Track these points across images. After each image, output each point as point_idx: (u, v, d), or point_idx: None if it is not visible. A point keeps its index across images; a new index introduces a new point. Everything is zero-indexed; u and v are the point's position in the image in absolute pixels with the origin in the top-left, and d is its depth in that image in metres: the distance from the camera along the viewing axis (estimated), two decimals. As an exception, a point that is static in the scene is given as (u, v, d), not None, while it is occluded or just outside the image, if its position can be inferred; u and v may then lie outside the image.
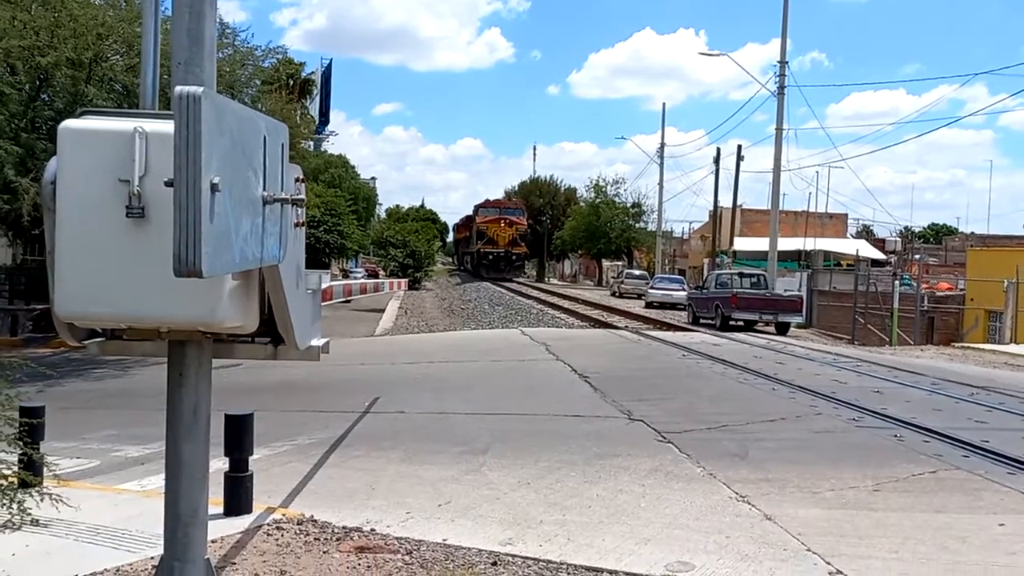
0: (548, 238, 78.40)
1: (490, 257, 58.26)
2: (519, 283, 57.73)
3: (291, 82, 42.36)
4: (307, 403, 8.31)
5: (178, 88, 1.72)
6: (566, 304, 33.09)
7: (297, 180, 2.41)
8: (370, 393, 8.66)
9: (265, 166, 2.07)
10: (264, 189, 2.06)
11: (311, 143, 52.84)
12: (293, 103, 32.03)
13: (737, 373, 10.48)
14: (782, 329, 22.74)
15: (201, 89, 1.74)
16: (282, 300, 2.34)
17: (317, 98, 58.31)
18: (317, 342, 2.76)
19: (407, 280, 46.12)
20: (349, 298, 29.52)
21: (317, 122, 57.62)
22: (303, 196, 2.39)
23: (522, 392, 8.86)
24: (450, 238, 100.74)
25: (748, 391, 9.05)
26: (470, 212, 67.45)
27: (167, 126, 1.98)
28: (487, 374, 10.44)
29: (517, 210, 61.99)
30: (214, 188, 1.75)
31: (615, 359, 12.11)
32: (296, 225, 2.42)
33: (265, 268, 2.21)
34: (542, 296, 39.23)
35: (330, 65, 65.56)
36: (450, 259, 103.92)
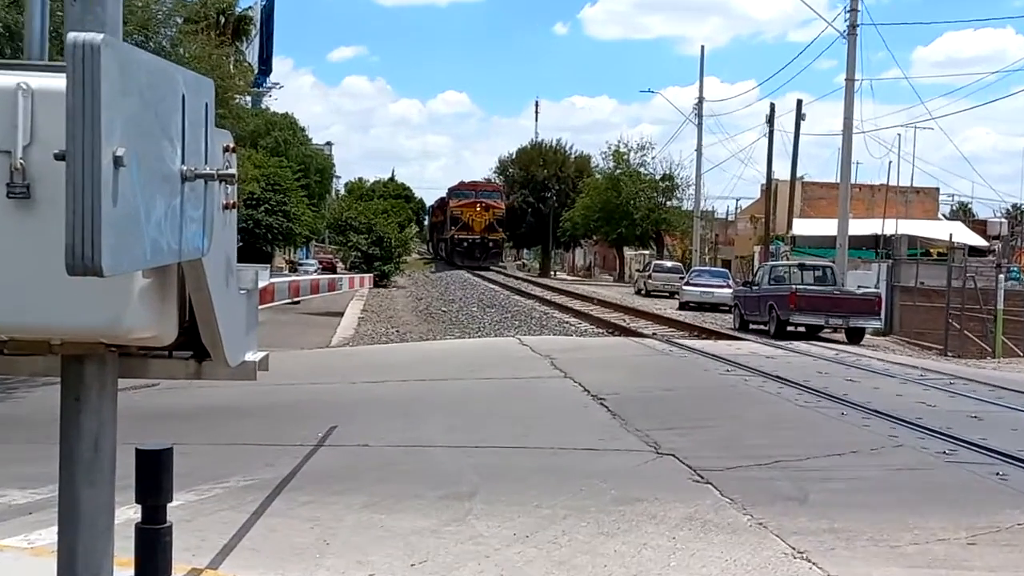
0: (554, 220, 78.48)
1: (464, 244, 67.19)
2: (517, 278, 58.00)
3: (222, 19, 42.43)
4: (244, 434, 8.32)
5: (72, 35, 1.73)
6: (577, 305, 33.17)
7: (226, 149, 2.43)
8: (324, 420, 8.67)
9: (184, 133, 2.08)
10: (183, 162, 2.08)
11: (248, 98, 52.87)
12: (225, 47, 32.07)
13: (795, 393, 10.52)
14: (854, 337, 22.83)
15: (101, 36, 1.75)
16: (207, 303, 2.36)
17: (256, 40, 58.24)
18: (253, 356, 2.78)
19: (373, 275, 46.13)
20: (297, 298, 29.45)
21: (256, 71, 57.66)
22: (234, 170, 2.40)
23: (519, 418, 8.89)
24: (428, 222, 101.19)
25: (809, 416, 9.08)
26: (453, 188, 73.99)
27: (59, 82, 1.99)
28: (475, 396, 10.45)
29: (494, 193, 71.15)
30: (118, 162, 1.76)
31: (639, 376, 12.13)
32: (225, 207, 2.44)
33: (185, 263, 2.23)
34: (546, 295, 39.35)
35: (272, -3, 65.39)
36: (427, 247, 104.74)
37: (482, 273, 60.25)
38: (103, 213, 1.73)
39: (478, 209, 67.77)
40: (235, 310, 2.59)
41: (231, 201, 2.46)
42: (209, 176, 2.19)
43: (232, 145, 2.47)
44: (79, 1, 2.23)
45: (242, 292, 2.69)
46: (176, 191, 2.04)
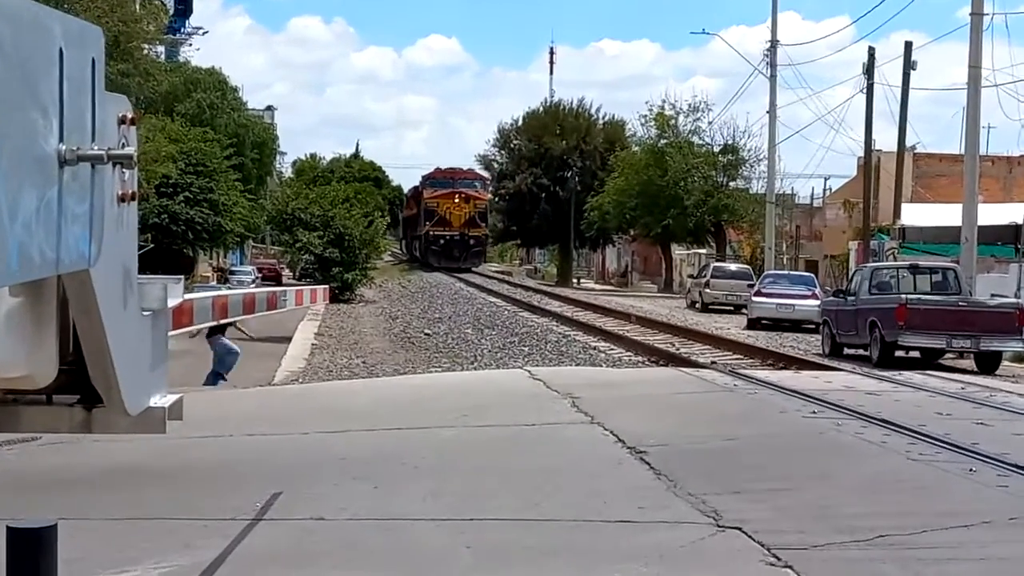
0: (576, 209, 78.64)
1: (441, 242, 74.10)
2: (527, 288, 58.16)
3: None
4: (154, 504, 8.32)
5: None
6: (608, 324, 33.19)
7: (123, 121, 2.44)
8: (265, 485, 8.66)
9: (62, 100, 2.09)
10: (61, 140, 2.08)
11: (161, 49, 53.22)
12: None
13: (906, 443, 10.49)
14: (987, 364, 22.80)
15: None
16: (97, 330, 2.36)
17: (170, -31, 58.60)
18: (161, 400, 2.79)
19: (331, 287, 46.15)
20: (227, 320, 29.43)
21: (171, 12, 58.01)
22: (132, 148, 2.41)
23: (529, 480, 8.87)
24: (401, 216, 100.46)
25: (925, 474, 9.05)
26: (427, 176, 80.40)
27: None
28: (469, 450, 10.44)
29: (476, 181, 78.95)
30: None
31: (692, 420, 12.11)
32: (122, 199, 2.44)
33: (66, 276, 2.24)
34: (566, 310, 39.41)
35: (192, -88, 65.97)
36: (400, 247, 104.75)
37: (477, 281, 60.46)
38: None
39: (456, 201, 74.41)
40: (136, 339, 2.59)
41: (130, 191, 2.47)
42: (97, 158, 2.19)
43: (131, 115, 2.47)
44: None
45: (146, 314, 2.69)
46: (52, 179, 2.05)
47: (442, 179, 78.23)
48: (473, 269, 72.48)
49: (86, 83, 2.22)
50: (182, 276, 3.14)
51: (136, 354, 2.61)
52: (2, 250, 1.88)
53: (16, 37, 1.92)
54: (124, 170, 2.40)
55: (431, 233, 75.64)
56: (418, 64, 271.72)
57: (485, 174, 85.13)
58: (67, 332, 2.42)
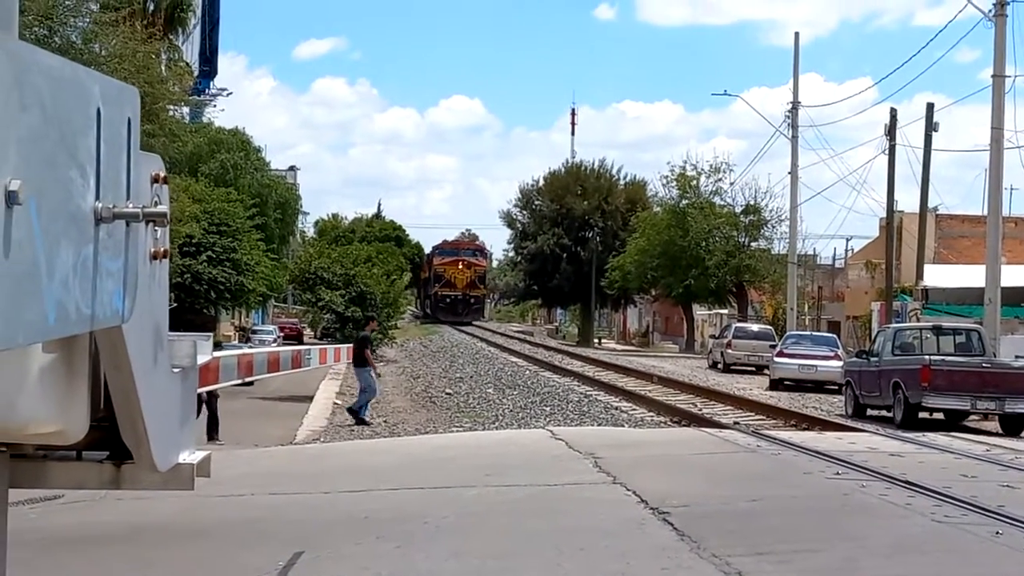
0: (598, 269, 78.75)
1: (447, 300, 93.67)
2: (548, 348, 58.18)
3: (151, 5, 43.33)
4: (177, 563, 8.31)
5: None
6: (630, 384, 33.17)
7: (156, 180, 2.47)
8: (287, 544, 8.66)
9: (99, 159, 2.11)
10: (97, 198, 2.10)
11: (186, 110, 53.73)
12: (154, 41, 32.67)
13: (932, 505, 10.41)
14: (1012, 426, 22.65)
15: None
16: (129, 387, 2.38)
17: (196, 32, 59.37)
18: (190, 457, 2.79)
19: (353, 347, 46.19)
20: (250, 378, 29.43)
21: (197, 73, 58.64)
22: (165, 207, 2.44)
23: (551, 540, 8.83)
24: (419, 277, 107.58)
25: (951, 537, 8.97)
26: (436, 246, 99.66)
27: None
28: (491, 509, 10.42)
29: (476, 251, 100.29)
30: (11, 198, 1.78)
31: (716, 481, 12.05)
32: (154, 256, 2.47)
33: (98, 332, 2.25)
34: (588, 370, 39.41)
35: (219, -24, 66.78)
36: (416, 305, 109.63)
37: (499, 341, 60.74)
38: None
39: (460, 267, 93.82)
40: (166, 395, 2.61)
41: (162, 249, 2.49)
42: (132, 216, 2.21)
43: (163, 174, 2.51)
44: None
45: (176, 371, 2.71)
46: (88, 236, 2.07)
47: (449, 249, 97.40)
48: (475, 323, 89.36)
49: (122, 142, 2.25)
50: (210, 333, 3.17)
51: (166, 411, 2.63)
52: (40, 306, 1.89)
53: (56, 96, 1.95)
54: (156, 228, 2.42)
55: (439, 293, 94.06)
56: (441, 125, 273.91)
57: (484, 244, 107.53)
58: (98, 388, 2.43)
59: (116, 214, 2.15)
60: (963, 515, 9.89)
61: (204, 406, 20.47)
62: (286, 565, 8.03)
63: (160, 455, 2.58)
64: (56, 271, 1.94)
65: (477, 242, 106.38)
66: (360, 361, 24.43)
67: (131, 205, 2.23)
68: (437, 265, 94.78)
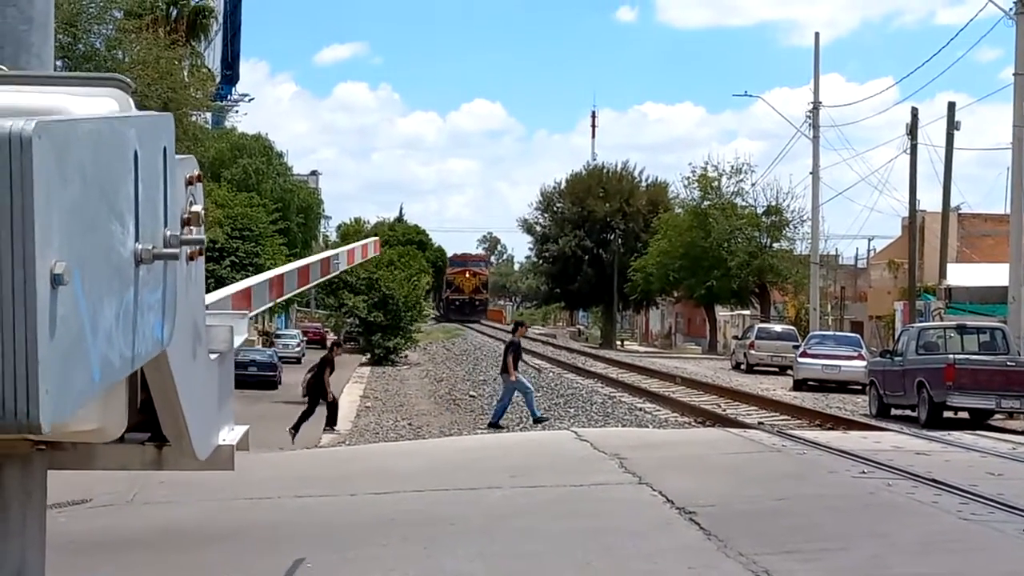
0: (620, 271, 78.69)
1: (457, 303, 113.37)
2: (571, 350, 58.14)
3: (174, 12, 43.53)
4: (206, 566, 8.34)
5: None
6: (654, 385, 33.13)
7: (190, 181, 2.48)
8: (315, 546, 8.68)
9: (137, 202, 2.10)
10: (137, 239, 2.09)
11: (208, 115, 53.87)
12: (177, 48, 32.84)
13: (958, 503, 10.37)
14: (1038, 425, 22.53)
15: (32, 125, 1.75)
16: (168, 385, 2.40)
17: (218, 38, 59.56)
18: (229, 436, 2.82)
19: (376, 351, 46.26)
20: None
21: (219, 79, 58.86)
22: (200, 207, 2.46)
23: (578, 541, 8.84)
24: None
25: (979, 534, 8.94)
26: (449, 258, 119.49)
27: None
28: (517, 510, 10.42)
29: (481, 262, 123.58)
30: (56, 280, 1.79)
31: (741, 481, 12.03)
32: (190, 257, 2.48)
33: None
34: (611, 372, 39.38)
35: (240, -18, 66.97)
36: (435, 308, 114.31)
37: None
38: (39, 352, 1.75)
39: (467, 276, 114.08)
40: (205, 386, 2.63)
41: (197, 248, 2.51)
42: (172, 256, 2.19)
43: (197, 173, 2.51)
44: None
45: (213, 357, 2.72)
46: (129, 281, 2.06)
47: (458, 261, 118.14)
48: (482, 321, 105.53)
49: (159, 174, 2.24)
50: (246, 311, 3.17)
51: (205, 401, 2.65)
52: (85, 369, 1.90)
53: (96, 158, 1.94)
54: (192, 227, 2.43)
55: (450, 297, 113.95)
56: (462, 128, 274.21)
57: (487, 255, 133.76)
58: (137, 382, 2.45)
59: (156, 255, 2.15)
60: (990, 513, 9.85)
61: (323, 400, 21.82)
62: (314, 567, 8.06)
63: (200, 444, 2.60)
64: (100, 328, 1.94)
65: (481, 255, 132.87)
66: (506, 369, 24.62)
67: (168, 239, 2.22)
68: (448, 274, 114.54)
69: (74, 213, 1.87)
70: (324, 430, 23.32)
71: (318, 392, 24.17)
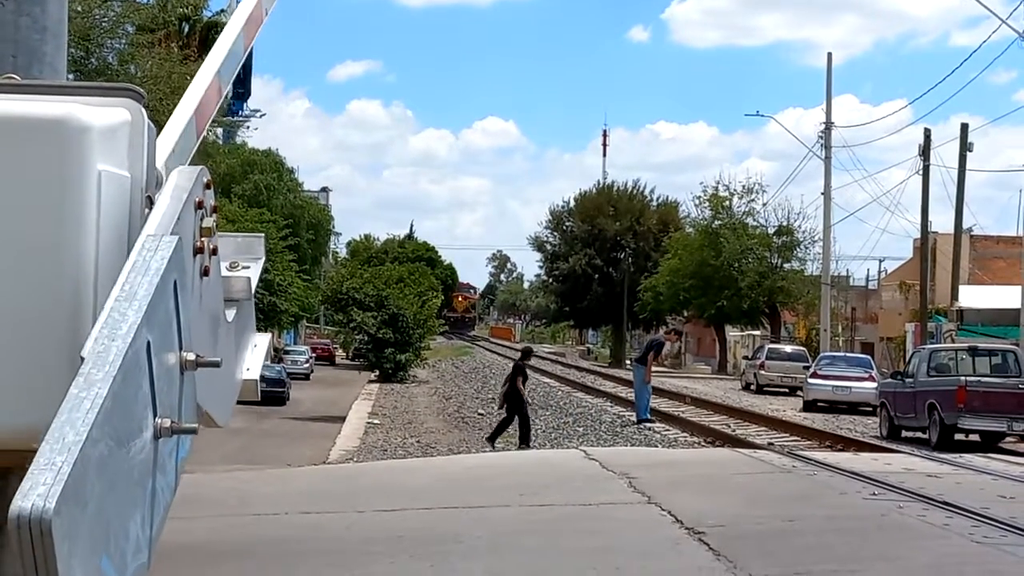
0: (629, 290, 78.67)
1: (452, 319, 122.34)
2: (580, 369, 58.13)
3: (186, 27, 43.64)
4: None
5: (15, 503, 1.80)
6: (663, 405, 33.07)
7: (205, 187, 2.46)
8: (321, 563, 8.67)
9: (154, 392, 2.10)
10: (156, 415, 2.07)
11: (219, 131, 54.06)
12: (189, 63, 32.85)
13: (970, 526, 10.32)
14: (1050, 448, 22.45)
15: (52, 504, 1.79)
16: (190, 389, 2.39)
17: (230, 53, 59.52)
18: (249, 374, 2.84)
19: (384, 368, 46.22)
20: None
21: (230, 95, 58.95)
22: (212, 221, 2.44)
23: (586, 560, 8.81)
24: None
25: (991, 558, 8.90)
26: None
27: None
28: (526, 528, 10.39)
29: (470, 289, 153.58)
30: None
31: (751, 501, 11.99)
32: (204, 273, 2.46)
33: None
34: (620, 390, 39.32)
35: (252, -2, 67.07)
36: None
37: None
38: None
39: (460, 299, 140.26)
40: (227, 360, 2.62)
41: (208, 265, 2.48)
42: (191, 431, 2.19)
43: (207, 179, 2.49)
44: (11, 0, 2.31)
45: (229, 322, 2.70)
46: (148, 472, 2.05)
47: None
48: (470, 333, 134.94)
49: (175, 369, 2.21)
50: (261, 236, 3.15)
51: (224, 376, 2.66)
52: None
53: (125, 428, 1.95)
54: (205, 240, 2.41)
55: (447, 315, 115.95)
56: (475, 146, 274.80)
57: (473, 286, 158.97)
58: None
59: (175, 430, 2.18)
60: (1002, 536, 9.81)
61: (516, 415, 23.35)
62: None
63: (221, 416, 2.61)
64: (129, 540, 2.05)
65: (469, 284, 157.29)
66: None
67: (182, 419, 2.24)
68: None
69: (96, 515, 1.96)
70: (519, 447, 23.24)
71: (515, 401, 24.22)
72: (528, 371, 26.27)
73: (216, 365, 2.22)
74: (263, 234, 3.27)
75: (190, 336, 2.16)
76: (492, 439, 23.59)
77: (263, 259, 3.02)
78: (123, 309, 1.87)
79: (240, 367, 2.85)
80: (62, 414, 1.81)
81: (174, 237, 2.00)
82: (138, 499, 2.04)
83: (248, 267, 2.93)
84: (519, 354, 27.98)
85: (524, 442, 23.31)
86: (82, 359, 1.86)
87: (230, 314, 2.72)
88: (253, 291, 2.91)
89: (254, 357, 2.96)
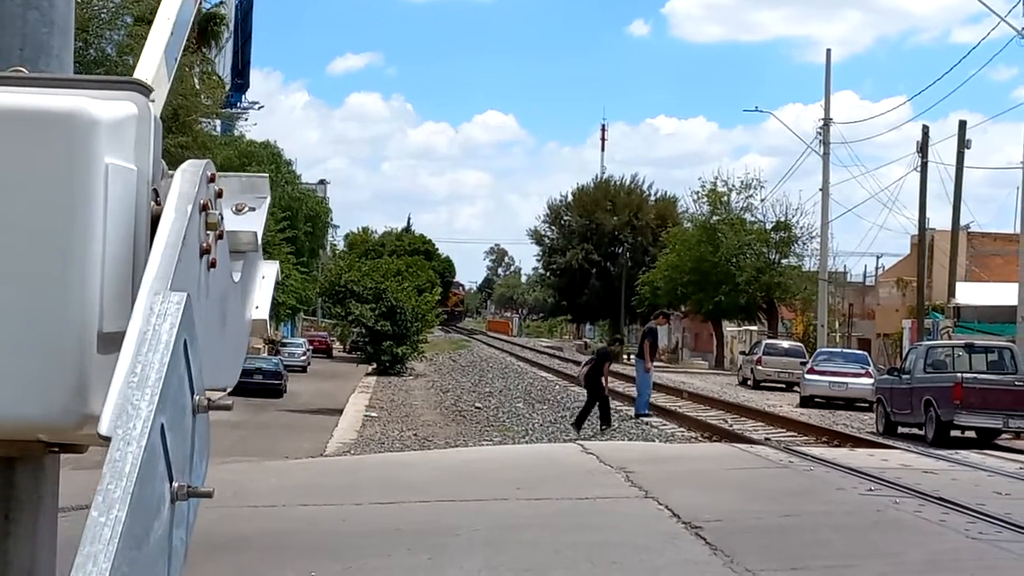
0: (627, 285, 78.64)
1: (444, 315, 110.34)
2: (577, 363, 58.05)
3: (184, 19, 43.46)
4: None
5: None
6: (661, 399, 33.11)
7: (210, 180, 2.46)
8: (319, 556, 8.69)
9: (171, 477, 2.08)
10: (171, 481, 2.06)
11: (217, 122, 54.01)
12: (188, 54, 32.86)
13: (966, 522, 10.35)
14: (1045, 444, 22.49)
15: None
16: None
17: (229, 45, 59.63)
18: (257, 313, 2.87)
19: (382, 360, 46.21)
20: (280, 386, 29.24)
21: (228, 86, 58.96)
22: (217, 215, 2.44)
23: (583, 554, 8.83)
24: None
25: (987, 554, 8.92)
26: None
27: (10, 98, 2.03)
28: (523, 521, 10.42)
29: (460, 286, 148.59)
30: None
31: (748, 496, 12.02)
32: (211, 266, 2.46)
33: None
34: (617, 385, 39.21)
35: (252, -10, 67.01)
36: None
37: (528, 356, 61.03)
38: None
39: (450, 295, 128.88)
40: (232, 322, 2.64)
41: (215, 258, 2.48)
42: (207, 495, 2.17)
43: (212, 172, 2.49)
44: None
45: (237, 280, 2.70)
46: (166, 537, 2.05)
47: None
48: (459, 324, 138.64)
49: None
50: (265, 196, 3.13)
51: (236, 333, 2.68)
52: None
53: (144, 526, 1.95)
54: (209, 234, 2.41)
55: (439, 309, 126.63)
56: (474, 140, 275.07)
57: (462, 283, 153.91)
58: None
59: (191, 493, 2.14)
60: (997, 532, 9.84)
61: (597, 400, 24.43)
62: (319, 576, 8.06)
63: (230, 378, 2.63)
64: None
65: (458, 282, 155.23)
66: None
67: (199, 485, 2.21)
68: None
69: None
70: (601, 429, 24.01)
71: (596, 386, 24.84)
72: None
73: (209, 495, 2.20)
74: (267, 174, 3.25)
75: (201, 379, 2.16)
76: (577, 425, 24.40)
77: (268, 198, 3.00)
78: (136, 400, 1.87)
79: (248, 313, 2.87)
80: (84, 545, 1.79)
81: (182, 295, 2.00)
82: (160, 567, 2.03)
83: (254, 208, 2.92)
84: (606, 341, 29.13)
85: (605, 422, 24.45)
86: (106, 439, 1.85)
87: (236, 275, 2.71)
88: (260, 242, 2.89)
89: (262, 292, 2.96)
